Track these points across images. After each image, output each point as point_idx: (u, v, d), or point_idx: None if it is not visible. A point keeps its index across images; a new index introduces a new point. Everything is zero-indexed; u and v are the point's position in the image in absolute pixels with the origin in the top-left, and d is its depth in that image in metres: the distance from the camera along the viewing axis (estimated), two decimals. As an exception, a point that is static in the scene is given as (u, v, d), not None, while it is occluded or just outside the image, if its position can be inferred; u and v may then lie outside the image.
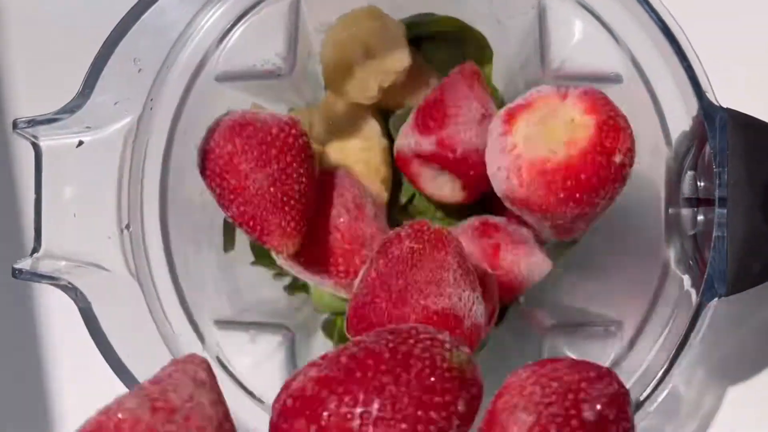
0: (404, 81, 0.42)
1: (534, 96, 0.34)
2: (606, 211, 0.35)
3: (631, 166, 0.34)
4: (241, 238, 0.43)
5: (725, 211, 0.31)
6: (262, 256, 0.43)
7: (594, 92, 0.33)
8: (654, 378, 0.33)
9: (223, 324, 0.40)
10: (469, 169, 0.38)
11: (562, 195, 0.32)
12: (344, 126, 0.42)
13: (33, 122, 0.34)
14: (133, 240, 0.37)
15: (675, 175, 0.36)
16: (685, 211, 0.36)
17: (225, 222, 0.42)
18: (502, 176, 0.34)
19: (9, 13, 0.54)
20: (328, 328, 0.45)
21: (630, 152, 0.33)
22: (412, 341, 0.25)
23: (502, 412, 0.26)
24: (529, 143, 0.33)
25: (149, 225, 0.38)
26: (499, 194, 0.35)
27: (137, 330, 0.37)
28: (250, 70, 0.41)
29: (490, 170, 0.35)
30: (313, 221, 0.37)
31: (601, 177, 0.32)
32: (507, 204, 0.36)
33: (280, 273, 0.44)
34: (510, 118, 0.34)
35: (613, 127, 0.32)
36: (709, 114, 0.32)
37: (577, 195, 0.32)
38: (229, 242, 0.43)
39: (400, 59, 0.40)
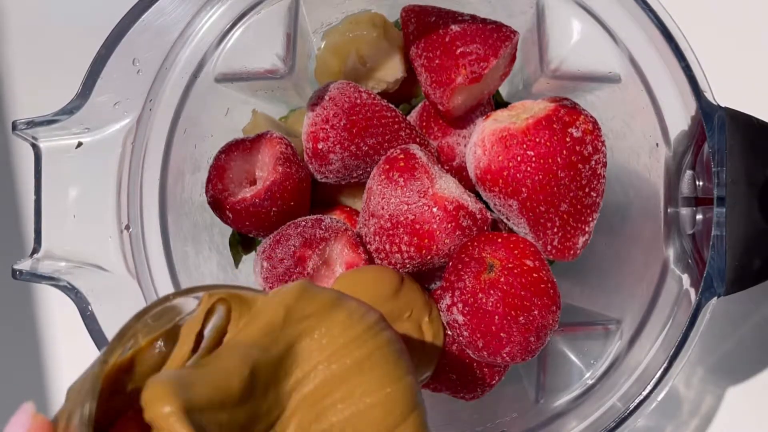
0: (407, 77, 0.42)
1: (514, 103, 0.38)
2: (595, 207, 0.36)
3: (597, 153, 0.35)
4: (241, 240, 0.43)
5: (724, 210, 0.31)
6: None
7: (563, 98, 0.36)
8: (653, 377, 0.33)
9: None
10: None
11: (519, 158, 0.34)
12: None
13: (32, 123, 0.34)
14: (132, 240, 0.37)
15: (674, 175, 0.36)
16: (684, 211, 0.36)
17: (231, 239, 0.42)
18: (471, 152, 0.37)
19: (9, 14, 0.54)
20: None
21: (592, 136, 0.34)
22: None
23: None
24: (495, 122, 0.36)
25: (149, 225, 0.38)
26: (471, 175, 0.37)
27: (137, 330, 0.36)
28: (250, 70, 0.41)
29: (467, 157, 0.38)
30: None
31: (556, 143, 0.34)
32: (478, 187, 0.37)
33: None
34: (488, 117, 0.37)
35: (572, 110, 0.35)
36: (708, 113, 0.32)
37: (533, 157, 0.34)
38: (237, 257, 0.43)
39: (393, 70, 0.41)
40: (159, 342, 0.24)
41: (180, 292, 0.24)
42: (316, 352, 0.24)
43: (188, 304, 0.24)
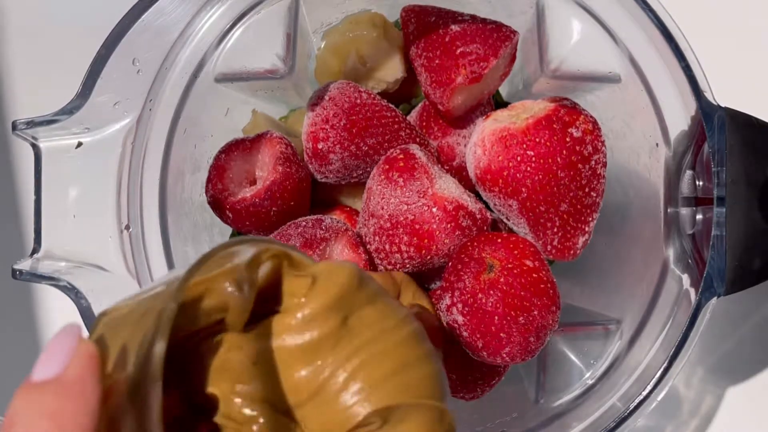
0: (407, 77, 0.42)
1: (514, 103, 0.38)
2: (594, 207, 0.36)
3: (597, 153, 0.34)
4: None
5: (724, 210, 0.31)
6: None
7: (563, 98, 0.36)
8: (653, 377, 0.33)
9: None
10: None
11: (519, 158, 0.34)
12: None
13: (32, 123, 0.34)
14: (132, 240, 0.37)
15: (674, 175, 0.36)
16: (684, 211, 0.36)
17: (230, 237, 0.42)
18: (471, 152, 0.37)
19: (9, 14, 0.54)
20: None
21: (592, 136, 0.34)
22: None
23: None
24: (495, 122, 0.36)
25: (149, 225, 0.38)
26: (471, 175, 0.37)
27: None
28: (250, 70, 0.41)
29: (467, 157, 0.38)
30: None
31: (556, 143, 0.34)
32: (477, 187, 0.37)
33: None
34: (488, 117, 0.37)
35: (572, 110, 0.35)
36: (708, 113, 0.32)
37: (533, 157, 0.34)
38: None
39: (393, 70, 0.41)
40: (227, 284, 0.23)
41: (236, 242, 0.24)
42: (369, 327, 0.24)
43: (240, 253, 0.24)
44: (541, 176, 0.34)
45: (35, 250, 0.35)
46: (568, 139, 0.34)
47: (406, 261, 0.36)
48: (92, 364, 0.20)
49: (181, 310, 0.22)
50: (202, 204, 0.39)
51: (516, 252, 0.35)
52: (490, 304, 0.33)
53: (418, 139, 0.39)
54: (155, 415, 0.18)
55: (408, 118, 0.41)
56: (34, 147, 0.35)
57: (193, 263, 0.22)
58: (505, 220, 0.38)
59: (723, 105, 0.32)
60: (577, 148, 0.34)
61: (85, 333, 0.21)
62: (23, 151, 0.52)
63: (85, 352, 0.20)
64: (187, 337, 0.23)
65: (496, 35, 0.37)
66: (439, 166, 0.39)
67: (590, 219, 0.36)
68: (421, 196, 0.36)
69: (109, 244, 0.36)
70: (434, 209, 0.35)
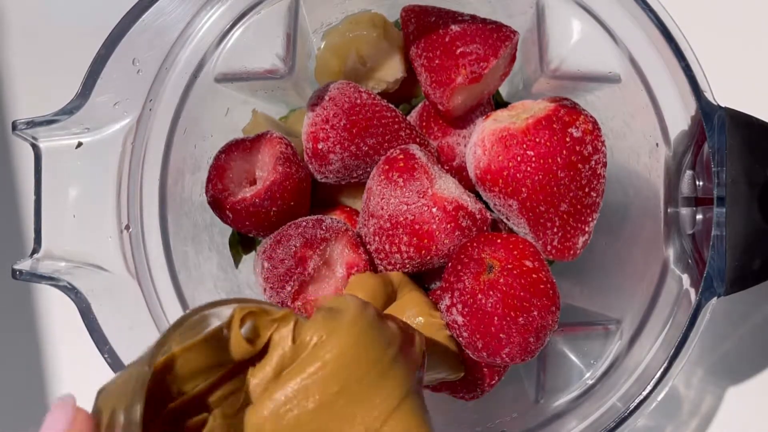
0: (407, 77, 0.42)
1: (514, 103, 0.38)
2: (594, 207, 0.36)
3: (597, 153, 0.34)
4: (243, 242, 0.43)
5: (724, 210, 0.31)
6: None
7: (563, 98, 0.36)
8: (653, 377, 0.33)
9: (223, 324, 0.40)
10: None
11: (519, 158, 0.34)
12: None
13: (32, 123, 0.34)
14: (132, 240, 0.37)
15: (674, 175, 0.36)
16: (684, 211, 0.36)
17: (231, 239, 0.42)
18: (471, 152, 0.37)
19: (9, 14, 0.54)
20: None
21: (592, 136, 0.34)
22: None
23: None
24: (495, 122, 0.36)
25: (149, 225, 0.38)
26: (471, 175, 0.37)
27: (137, 330, 0.37)
28: (250, 70, 0.41)
29: (467, 157, 0.38)
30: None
31: (556, 143, 0.34)
32: (477, 187, 0.37)
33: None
34: (488, 117, 0.38)
35: (572, 110, 0.35)
36: (708, 113, 0.32)
37: (533, 157, 0.34)
38: (237, 257, 0.43)
39: (393, 70, 0.41)
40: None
41: (213, 304, 0.25)
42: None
43: (220, 314, 0.25)
44: (541, 176, 0.34)
45: (35, 250, 0.35)
46: (568, 139, 0.34)
47: (406, 261, 0.36)
48: (88, 428, 0.22)
49: (163, 377, 0.24)
50: (202, 204, 0.39)
51: (516, 252, 0.35)
52: (490, 305, 0.33)
53: (418, 139, 0.39)
54: None
55: (408, 118, 0.41)
56: (34, 147, 0.35)
57: (167, 329, 0.24)
58: (505, 220, 0.38)
59: (723, 105, 0.32)
60: (577, 148, 0.34)
61: (79, 403, 0.23)
62: (23, 151, 0.52)
63: (82, 419, 0.22)
64: (177, 413, 0.24)
65: (496, 35, 0.37)
66: (439, 166, 0.39)
67: (590, 219, 0.36)
68: (421, 196, 0.36)
69: (109, 244, 0.36)
70: (434, 209, 0.35)
